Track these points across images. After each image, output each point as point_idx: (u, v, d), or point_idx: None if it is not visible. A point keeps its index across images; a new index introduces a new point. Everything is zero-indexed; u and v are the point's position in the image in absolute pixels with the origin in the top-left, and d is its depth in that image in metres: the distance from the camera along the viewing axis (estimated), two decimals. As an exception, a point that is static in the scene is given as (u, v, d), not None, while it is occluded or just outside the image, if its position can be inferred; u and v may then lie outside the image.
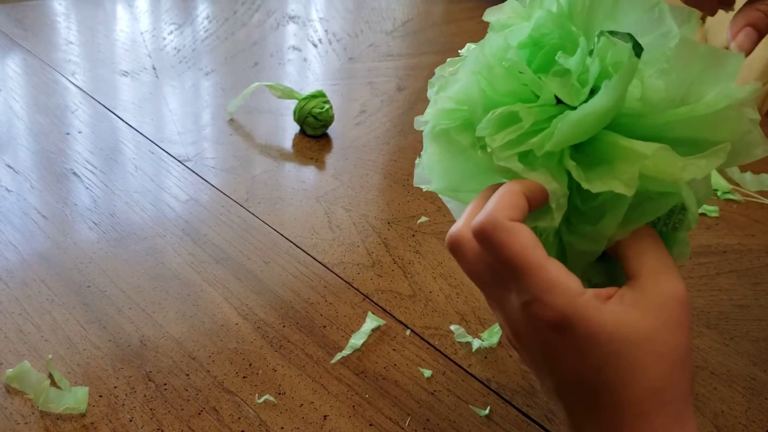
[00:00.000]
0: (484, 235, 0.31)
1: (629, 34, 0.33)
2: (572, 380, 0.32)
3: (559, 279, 0.31)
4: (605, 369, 0.30)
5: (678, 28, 0.34)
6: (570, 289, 0.30)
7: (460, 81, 0.38)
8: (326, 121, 0.84)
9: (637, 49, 0.32)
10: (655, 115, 0.34)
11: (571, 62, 0.34)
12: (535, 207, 0.33)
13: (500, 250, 0.31)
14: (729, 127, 0.33)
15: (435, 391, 0.51)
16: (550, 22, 0.36)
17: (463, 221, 0.34)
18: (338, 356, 0.52)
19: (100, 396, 0.47)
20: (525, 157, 0.35)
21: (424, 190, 0.41)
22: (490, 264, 0.33)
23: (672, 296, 0.30)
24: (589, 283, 0.38)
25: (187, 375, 0.50)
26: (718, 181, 0.82)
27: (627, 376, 0.30)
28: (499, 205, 0.31)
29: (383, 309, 0.58)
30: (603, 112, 0.33)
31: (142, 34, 1.09)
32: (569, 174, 0.35)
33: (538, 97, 0.35)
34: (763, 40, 0.39)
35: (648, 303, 0.30)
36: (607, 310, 0.30)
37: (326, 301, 0.58)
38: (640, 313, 0.30)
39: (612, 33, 0.33)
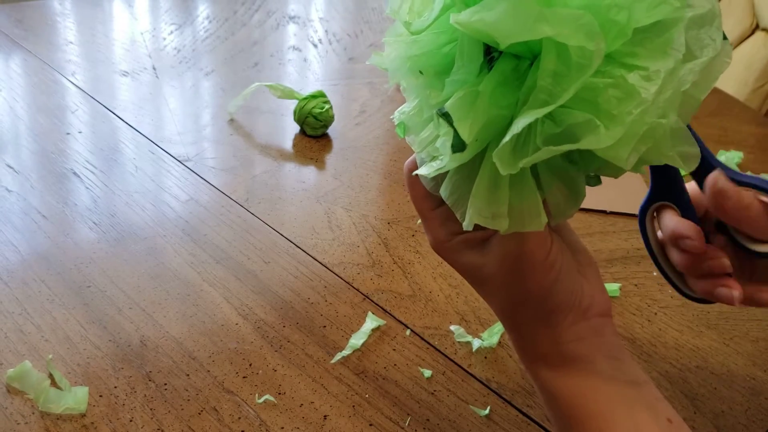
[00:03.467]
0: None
1: None
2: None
3: (433, 229, 0.40)
4: (482, 292, 0.42)
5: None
6: (437, 238, 0.40)
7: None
8: (326, 121, 0.84)
9: None
10: None
11: None
12: None
13: (411, 195, 0.42)
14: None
15: (435, 391, 0.51)
16: None
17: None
18: (338, 356, 0.52)
19: (101, 396, 0.47)
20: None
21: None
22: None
23: (509, 253, 0.38)
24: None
25: (188, 375, 0.50)
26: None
27: (488, 298, 0.42)
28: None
29: (383, 309, 0.58)
30: None
31: (142, 34, 1.09)
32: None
33: None
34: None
35: (493, 254, 0.39)
36: (465, 255, 0.40)
37: (326, 301, 0.58)
38: (485, 259, 0.39)
39: None
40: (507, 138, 0.32)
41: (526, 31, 0.31)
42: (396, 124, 0.39)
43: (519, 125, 0.31)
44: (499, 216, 0.35)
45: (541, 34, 0.31)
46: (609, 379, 0.37)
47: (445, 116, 0.34)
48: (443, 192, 0.37)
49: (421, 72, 0.35)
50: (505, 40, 0.31)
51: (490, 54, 0.34)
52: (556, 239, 0.38)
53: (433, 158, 0.36)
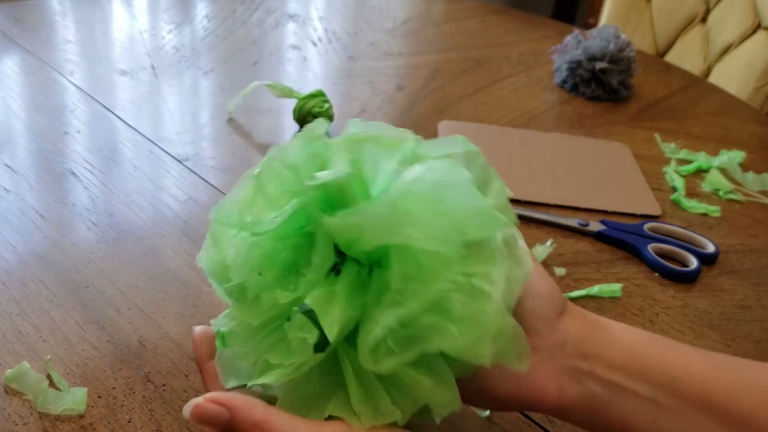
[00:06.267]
0: None
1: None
2: None
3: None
4: None
5: None
6: None
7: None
8: (326, 120, 0.83)
9: None
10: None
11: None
12: None
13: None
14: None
15: (435, 392, 0.50)
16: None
17: None
18: (338, 357, 0.52)
19: (99, 397, 0.47)
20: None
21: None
22: None
23: None
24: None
25: (186, 376, 0.49)
26: (720, 180, 0.82)
27: None
28: None
29: (383, 309, 0.57)
30: None
31: (141, 33, 1.08)
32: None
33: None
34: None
35: None
36: None
37: (326, 301, 0.58)
38: None
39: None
40: (371, 340, 0.32)
41: (393, 234, 0.32)
42: (216, 334, 0.37)
43: (381, 328, 0.32)
44: (387, 411, 0.34)
45: (407, 238, 0.32)
46: None
47: (308, 313, 0.34)
48: (287, 398, 0.35)
49: (260, 273, 0.35)
50: (371, 242, 0.32)
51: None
52: None
53: (268, 365, 0.35)
